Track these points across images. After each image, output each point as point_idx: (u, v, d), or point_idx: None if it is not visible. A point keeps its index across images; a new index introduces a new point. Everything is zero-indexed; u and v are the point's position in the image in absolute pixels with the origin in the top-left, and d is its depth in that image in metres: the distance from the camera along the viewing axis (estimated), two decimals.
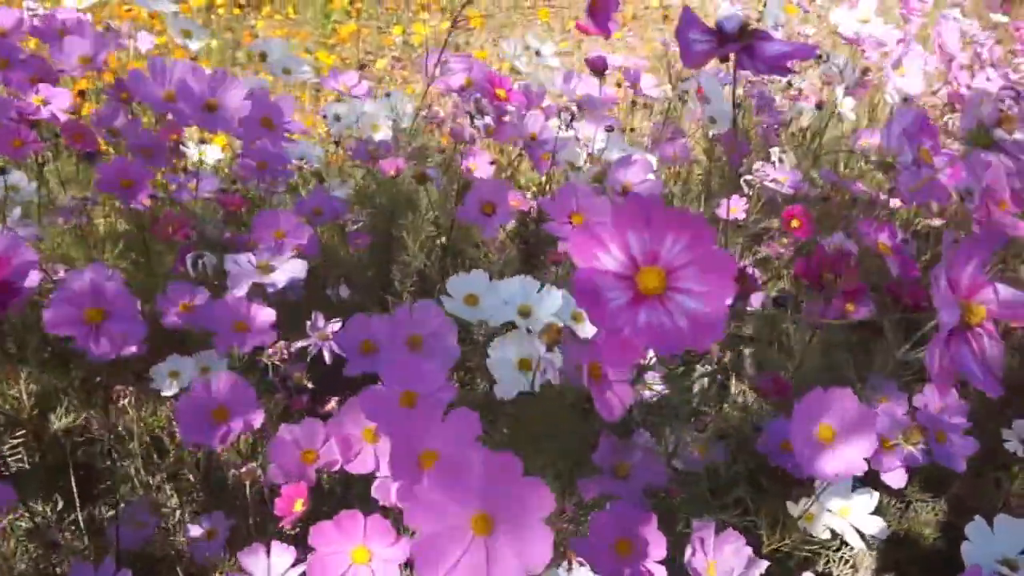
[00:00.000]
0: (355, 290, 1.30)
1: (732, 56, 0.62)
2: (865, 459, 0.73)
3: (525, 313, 0.91)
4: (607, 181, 1.04)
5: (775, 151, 1.16)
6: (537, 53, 1.47)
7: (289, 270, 1.02)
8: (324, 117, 1.63)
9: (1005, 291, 0.64)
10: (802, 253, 1.18)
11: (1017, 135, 0.68)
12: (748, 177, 1.14)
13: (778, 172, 1.14)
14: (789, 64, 0.62)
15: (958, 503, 1.16)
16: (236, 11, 3.69)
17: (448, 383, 0.76)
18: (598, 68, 1.08)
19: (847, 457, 0.73)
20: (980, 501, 1.15)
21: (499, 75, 1.29)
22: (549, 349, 0.76)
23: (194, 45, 1.43)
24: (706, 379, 1.08)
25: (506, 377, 0.86)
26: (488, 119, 1.18)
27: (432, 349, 0.87)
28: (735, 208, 1.15)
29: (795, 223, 1.14)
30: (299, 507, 0.76)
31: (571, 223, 0.97)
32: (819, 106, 1.46)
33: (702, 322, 0.50)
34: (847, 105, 1.44)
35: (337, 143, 1.65)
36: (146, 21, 2.73)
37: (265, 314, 0.93)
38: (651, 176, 1.07)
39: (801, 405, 0.74)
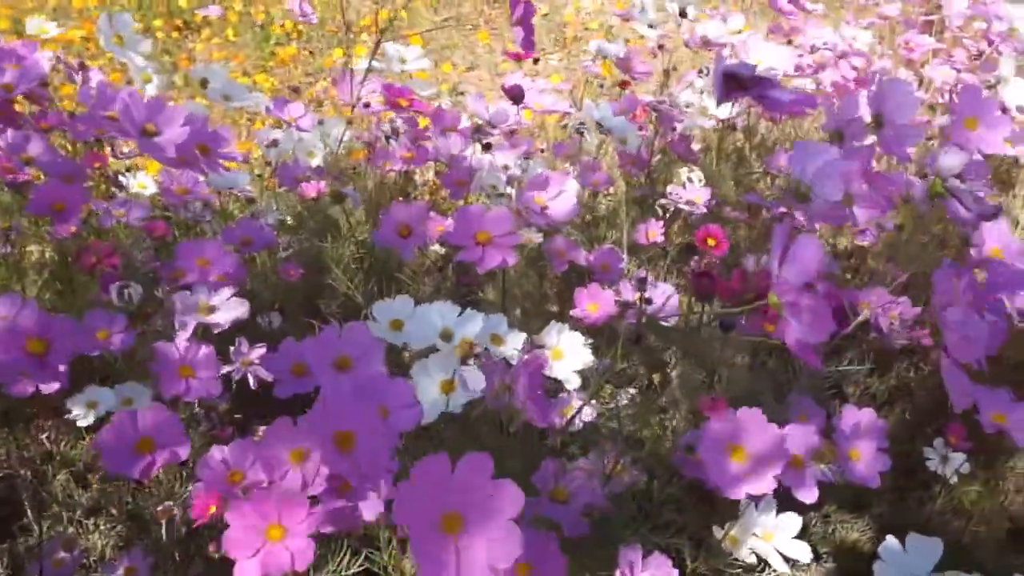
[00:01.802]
0: (287, 316, 1.31)
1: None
2: (775, 478, 0.75)
3: (447, 337, 0.93)
4: (518, 201, 1.06)
5: (684, 172, 1.19)
6: (401, 60, 1.49)
7: (231, 310, 1.02)
8: (261, 143, 1.64)
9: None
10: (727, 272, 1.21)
11: (972, 185, 0.71)
12: (663, 201, 1.17)
13: (690, 193, 1.17)
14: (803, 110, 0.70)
15: (884, 522, 1.19)
16: (175, 34, 3.66)
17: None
18: (515, 96, 1.10)
19: (759, 477, 0.75)
20: (905, 519, 1.18)
21: (402, 87, 1.31)
22: (462, 362, 0.78)
23: (151, 89, 1.44)
24: (638, 399, 1.10)
25: (427, 401, 0.87)
26: (403, 139, 1.20)
27: (361, 371, 0.87)
28: (653, 232, 1.18)
29: (711, 242, 1.16)
30: (212, 510, 0.76)
31: (479, 244, 0.99)
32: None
33: None
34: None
35: (273, 169, 1.66)
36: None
37: (211, 359, 0.93)
38: (566, 190, 1.09)
39: (712, 427, 0.76)
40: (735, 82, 0.67)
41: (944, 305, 0.84)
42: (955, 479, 1.11)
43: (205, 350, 0.91)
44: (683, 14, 1.50)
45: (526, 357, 0.76)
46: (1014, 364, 1.29)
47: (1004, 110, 1.39)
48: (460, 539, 0.54)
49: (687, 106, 1.64)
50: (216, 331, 0.96)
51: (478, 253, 1.00)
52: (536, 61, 3.11)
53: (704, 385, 1.22)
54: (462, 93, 3.38)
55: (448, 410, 0.86)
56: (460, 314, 0.94)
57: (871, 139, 0.95)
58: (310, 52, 3.77)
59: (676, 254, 1.35)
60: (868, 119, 0.81)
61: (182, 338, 0.91)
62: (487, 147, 1.11)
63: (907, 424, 1.30)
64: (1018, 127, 1.42)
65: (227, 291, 0.98)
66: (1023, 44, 1.41)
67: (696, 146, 1.68)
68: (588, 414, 1.02)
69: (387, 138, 1.26)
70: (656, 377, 1.25)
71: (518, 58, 2.09)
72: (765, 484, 0.74)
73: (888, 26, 2.42)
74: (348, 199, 1.21)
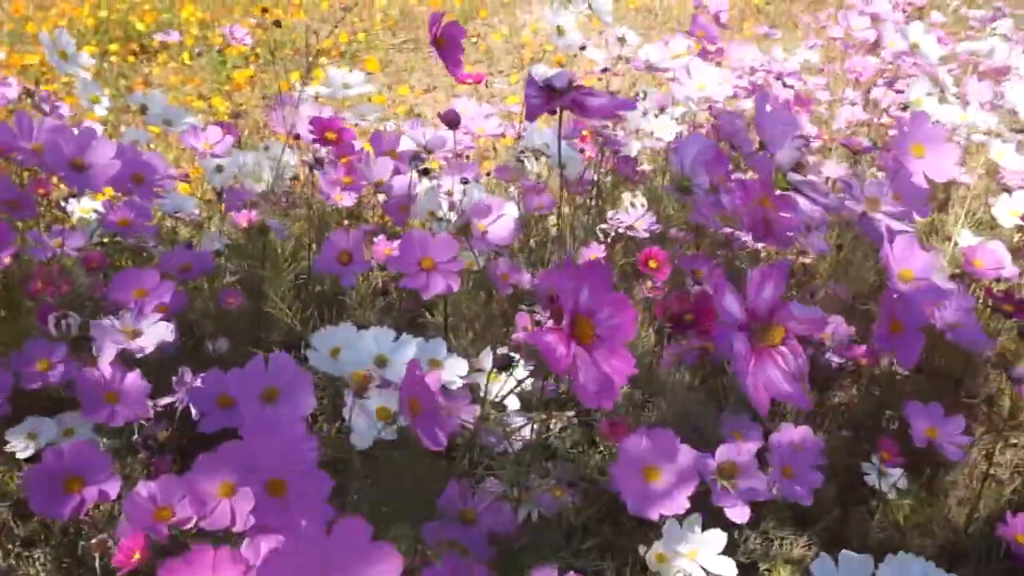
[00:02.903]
0: (233, 343, 1.30)
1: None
2: (689, 498, 0.76)
3: (381, 363, 0.93)
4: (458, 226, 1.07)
5: (627, 197, 1.20)
6: (345, 85, 1.50)
7: (156, 334, 1.01)
8: (206, 169, 1.63)
9: (799, 309, 0.69)
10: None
11: (811, 177, 0.73)
12: (603, 226, 1.18)
13: (631, 218, 1.18)
14: (617, 113, 0.70)
15: (828, 537, 1.20)
16: (130, 59, 3.65)
17: (307, 435, 0.76)
18: (450, 122, 1.11)
19: (672, 498, 0.76)
20: (848, 534, 1.20)
21: (332, 119, 1.31)
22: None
23: (100, 110, 1.44)
24: (571, 422, 1.11)
25: (361, 426, 0.87)
26: (326, 169, 1.20)
27: (288, 402, 0.87)
28: (593, 255, 1.19)
29: (652, 264, 1.18)
30: (136, 557, 0.75)
31: (423, 270, 0.99)
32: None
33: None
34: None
35: (220, 195, 1.65)
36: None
37: (137, 384, 0.92)
38: (505, 214, 1.10)
39: (627, 448, 0.77)
40: (551, 91, 0.68)
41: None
42: (893, 494, 1.12)
43: (131, 376, 0.90)
44: (622, 40, 1.52)
45: (407, 376, 0.76)
46: (947, 375, 1.32)
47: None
48: None
49: (636, 129, 1.67)
50: (138, 355, 0.95)
51: (422, 280, 1.00)
52: (487, 84, 3.13)
53: (645, 405, 1.23)
54: (419, 115, 3.39)
55: (381, 436, 0.86)
56: (396, 339, 0.94)
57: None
58: (271, 74, 3.77)
59: (620, 277, 1.36)
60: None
61: (104, 363, 0.90)
62: (424, 172, 1.11)
63: (849, 440, 1.31)
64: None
65: (154, 315, 0.97)
66: (928, 61, 1.45)
67: (644, 167, 1.70)
68: (525, 436, 1.03)
69: (311, 168, 1.26)
70: None
71: (476, 80, 2.11)
72: (678, 504, 0.75)
73: (838, 47, 2.47)
74: (273, 232, 1.21)
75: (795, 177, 0.72)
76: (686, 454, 0.81)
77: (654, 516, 0.75)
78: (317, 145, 1.34)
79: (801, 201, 0.75)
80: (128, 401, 0.91)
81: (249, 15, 4.23)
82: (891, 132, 1.81)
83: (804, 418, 1.29)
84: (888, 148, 1.04)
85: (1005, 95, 1.40)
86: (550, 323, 0.58)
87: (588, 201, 1.54)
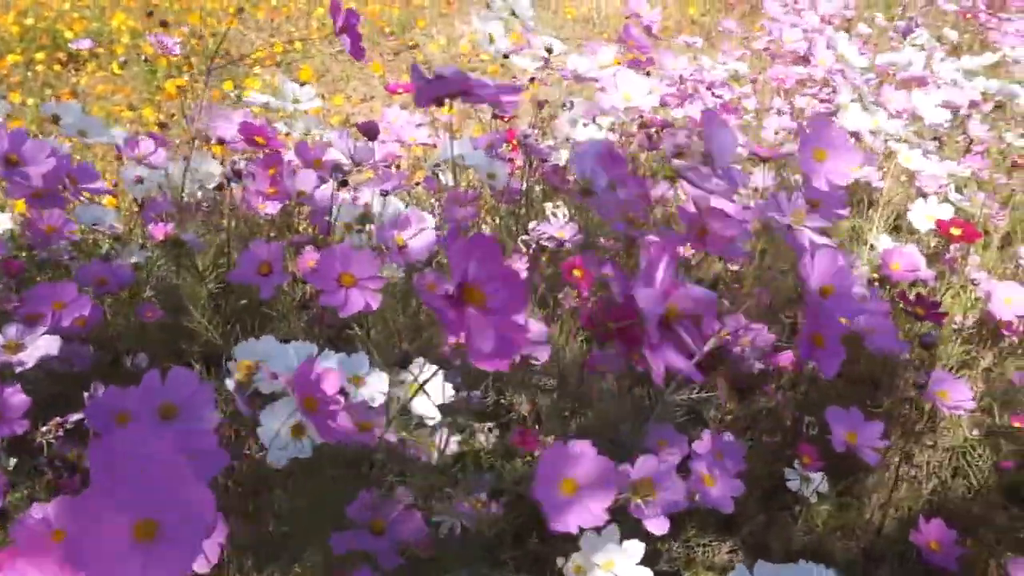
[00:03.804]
0: (153, 357, 1.27)
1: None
2: (608, 509, 0.76)
3: None
4: (377, 239, 1.05)
5: (549, 207, 1.20)
6: (295, 100, 1.49)
7: (42, 347, 0.98)
8: (126, 180, 1.59)
9: (694, 289, 0.70)
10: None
11: (693, 162, 0.73)
12: (524, 237, 1.18)
13: (554, 228, 1.18)
14: (504, 99, 0.70)
15: (752, 543, 1.21)
16: (57, 68, 3.56)
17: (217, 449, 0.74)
18: (369, 133, 1.10)
19: (589, 509, 0.75)
20: (771, 540, 1.21)
21: (261, 124, 1.30)
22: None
23: None
24: (493, 432, 1.10)
25: (276, 444, 0.85)
26: (244, 181, 1.18)
27: (187, 418, 0.85)
28: (517, 266, 1.18)
29: (576, 273, 1.17)
30: None
31: (343, 286, 0.98)
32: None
33: None
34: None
35: (141, 206, 1.61)
36: None
37: (17, 400, 0.89)
38: (426, 227, 1.10)
39: (544, 460, 0.76)
40: (439, 79, 0.68)
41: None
42: (815, 498, 1.13)
43: (9, 390, 0.87)
44: (549, 50, 1.53)
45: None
46: (868, 379, 1.34)
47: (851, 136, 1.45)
48: None
49: (566, 138, 1.67)
50: (18, 370, 0.92)
51: (341, 296, 0.99)
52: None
53: (571, 415, 1.23)
54: (355, 125, 3.36)
55: (297, 454, 0.84)
56: (317, 353, 0.92)
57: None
58: (202, 85, 3.71)
59: (548, 286, 1.36)
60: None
61: None
62: (343, 184, 1.10)
63: (773, 446, 1.32)
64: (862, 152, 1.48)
65: (40, 328, 0.95)
66: (853, 71, 1.48)
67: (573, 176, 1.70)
68: (452, 447, 1.02)
69: (228, 180, 1.24)
70: (526, 409, 1.26)
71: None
72: (594, 516, 0.75)
73: (765, 57, 2.51)
74: (187, 244, 1.19)
75: (678, 163, 0.72)
76: (603, 465, 0.81)
77: (572, 528, 0.74)
78: (238, 157, 1.32)
79: (686, 186, 0.76)
80: (9, 416, 0.88)
81: (182, 23, 4.16)
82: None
83: (728, 424, 1.31)
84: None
85: (913, 103, 1.44)
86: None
87: (517, 211, 1.53)
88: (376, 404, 0.96)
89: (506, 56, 1.49)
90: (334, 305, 0.98)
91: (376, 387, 0.92)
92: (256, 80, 3.64)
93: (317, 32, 4.39)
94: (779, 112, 2.18)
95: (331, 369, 0.87)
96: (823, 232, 0.98)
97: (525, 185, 1.58)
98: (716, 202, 0.82)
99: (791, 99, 2.20)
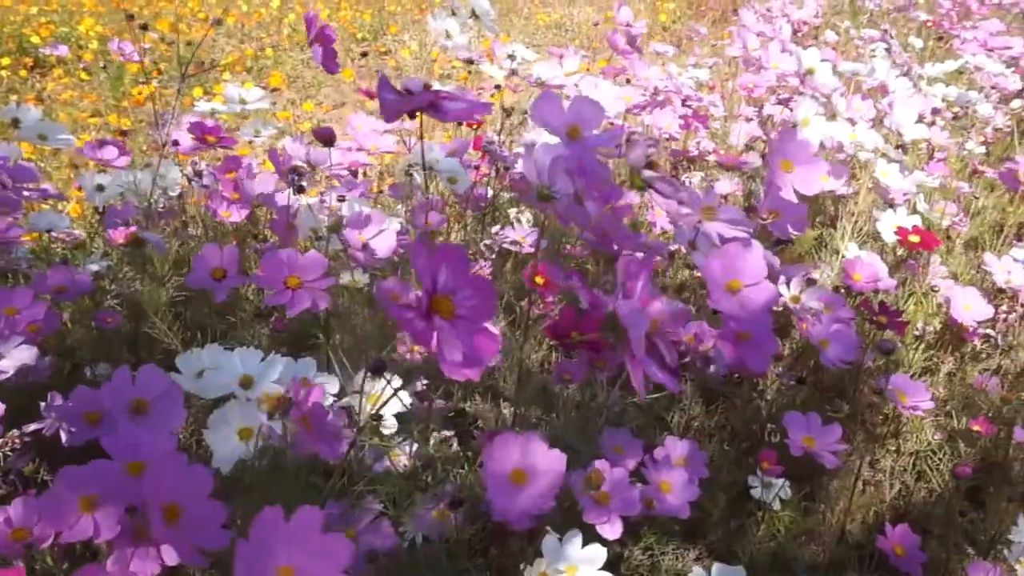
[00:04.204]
0: (114, 366, 1.26)
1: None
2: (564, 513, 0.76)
3: (247, 384, 0.90)
4: (338, 240, 1.05)
5: (512, 212, 1.20)
6: (242, 101, 1.48)
7: (18, 357, 0.98)
8: (85, 188, 1.57)
9: (669, 304, 0.70)
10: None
11: (661, 172, 0.73)
12: (487, 241, 1.17)
13: (517, 233, 1.17)
14: (473, 115, 0.71)
15: (716, 548, 1.21)
16: (23, 73, 3.51)
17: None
18: (325, 139, 1.09)
19: (538, 496, 0.76)
20: (735, 545, 1.20)
21: (213, 124, 1.29)
22: (271, 416, 0.76)
23: None
24: (451, 441, 1.09)
25: (223, 449, 0.84)
26: (204, 181, 1.17)
27: (158, 413, 0.84)
28: (479, 272, 1.18)
29: (539, 280, 1.17)
30: None
31: (288, 288, 0.97)
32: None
33: None
34: None
35: (101, 213, 1.60)
36: None
37: None
38: (387, 229, 1.09)
39: (492, 450, 0.77)
40: (407, 93, 0.68)
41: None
42: (777, 504, 1.13)
43: None
44: (512, 57, 1.53)
45: (295, 394, 0.74)
46: (832, 385, 1.34)
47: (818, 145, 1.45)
48: None
49: (530, 144, 1.66)
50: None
51: (287, 296, 0.99)
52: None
53: (540, 422, 1.22)
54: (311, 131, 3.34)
55: (246, 458, 0.84)
56: (263, 359, 0.92)
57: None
58: (173, 91, 3.68)
59: (514, 294, 1.35)
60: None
61: None
62: (299, 189, 1.09)
63: (740, 452, 1.33)
64: (830, 163, 1.49)
65: (16, 338, 0.94)
66: (819, 84, 1.49)
67: None
68: (407, 457, 1.01)
69: (190, 180, 1.23)
70: (493, 415, 1.25)
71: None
72: (545, 504, 0.75)
73: (736, 65, 2.53)
74: (150, 244, 1.17)
75: (648, 174, 0.72)
76: (552, 456, 0.81)
77: (522, 521, 0.74)
78: (198, 159, 1.31)
79: (655, 197, 0.75)
80: None
81: (152, 30, 4.12)
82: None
83: (694, 431, 1.31)
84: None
85: (889, 115, 1.44)
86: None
87: (484, 217, 1.53)
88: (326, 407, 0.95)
89: (470, 61, 1.48)
90: (280, 303, 0.99)
91: (326, 390, 0.91)
92: (224, 87, 3.61)
93: (288, 39, 4.37)
94: (748, 120, 2.20)
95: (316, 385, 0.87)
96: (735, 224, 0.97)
97: (492, 191, 1.58)
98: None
99: (759, 106, 2.21)
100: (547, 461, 0.78)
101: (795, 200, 0.99)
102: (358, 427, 0.81)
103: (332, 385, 0.93)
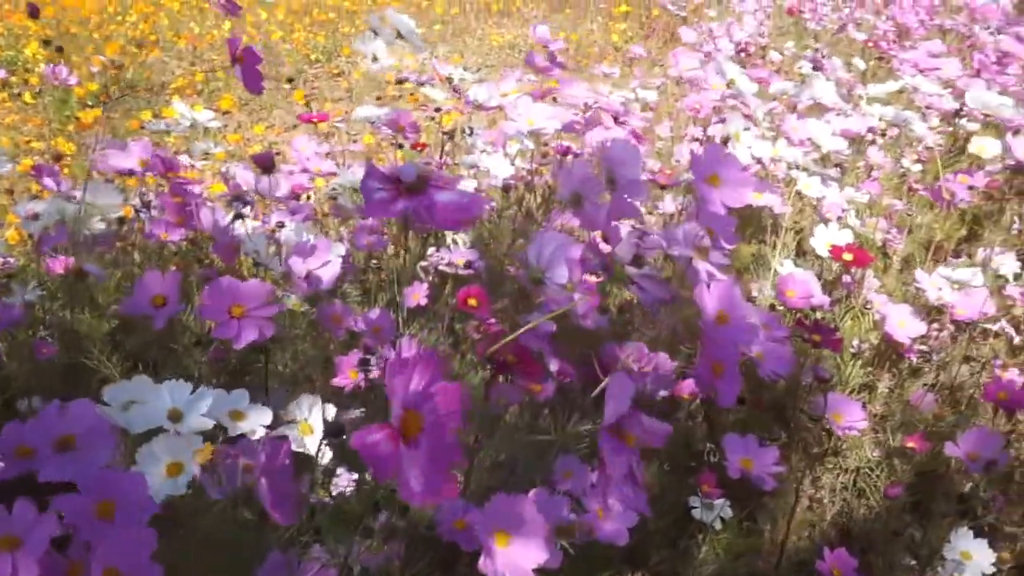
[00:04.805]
0: (49, 398, 1.23)
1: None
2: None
3: (175, 417, 0.88)
4: (282, 267, 1.04)
5: (450, 235, 1.20)
6: (192, 122, 1.47)
7: None
8: (21, 216, 1.55)
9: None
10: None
11: (646, 270, 0.74)
12: (423, 263, 1.17)
13: (454, 255, 1.17)
14: (467, 219, 0.66)
15: (660, 571, 1.21)
16: None
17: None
18: (264, 165, 1.08)
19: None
20: (679, 568, 1.21)
21: (172, 158, 1.27)
22: (203, 471, 0.75)
23: None
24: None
25: (152, 487, 0.83)
26: (153, 211, 1.16)
27: (86, 451, 0.82)
28: (416, 295, 1.17)
29: (472, 302, 1.17)
30: None
31: (233, 318, 0.96)
32: None
33: None
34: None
35: (37, 242, 1.57)
36: None
37: None
38: (332, 259, 1.09)
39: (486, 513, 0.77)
40: (398, 185, 0.63)
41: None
42: (719, 525, 1.14)
43: None
44: (449, 80, 1.53)
45: (266, 450, 0.73)
46: (772, 403, 1.36)
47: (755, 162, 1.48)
48: None
49: (471, 166, 1.67)
50: None
51: (233, 328, 0.97)
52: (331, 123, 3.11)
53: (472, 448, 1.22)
54: (278, 154, 3.33)
55: (173, 494, 0.82)
56: (192, 392, 0.90)
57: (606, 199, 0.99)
58: (127, 112, 3.64)
59: (452, 316, 1.35)
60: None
61: None
62: (238, 216, 1.08)
63: (684, 473, 1.33)
64: (757, 179, 1.51)
65: None
66: (748, 99, 1.51)
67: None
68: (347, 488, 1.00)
69: (137, 212, 1.21)
70: None
71: (320, 119, 2.08)
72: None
73: (682, 84, 2.55)
74: (91, 276, 1.16)
75: (632, 271, 0.73)
76: (537, 517, 0.82)
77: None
78: (146, 189, 1.29)
79: (636, 291, 0.77)
80: None
81: (100, 53, 4.08)
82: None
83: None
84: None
85: (807, 130, 1.47)
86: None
87: (427, 238, 1.52)
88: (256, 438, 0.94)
89: (400, 82, 1.49)
90: (227, 337, 0.97)
91: (257, 421, 0.90)
92: (173, 110, 3.58)
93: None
94: (693, 139, 2.22)
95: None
96: (720, 264, 0.99)
97: None
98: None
99: (704, 125, 2.24)
100: (533, 522, 0.78)
101: (723, 213, 1.01)
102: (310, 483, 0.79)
103: (265, 416, 0.92)
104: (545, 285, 0.90)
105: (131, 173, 1.29)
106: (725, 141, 1.46)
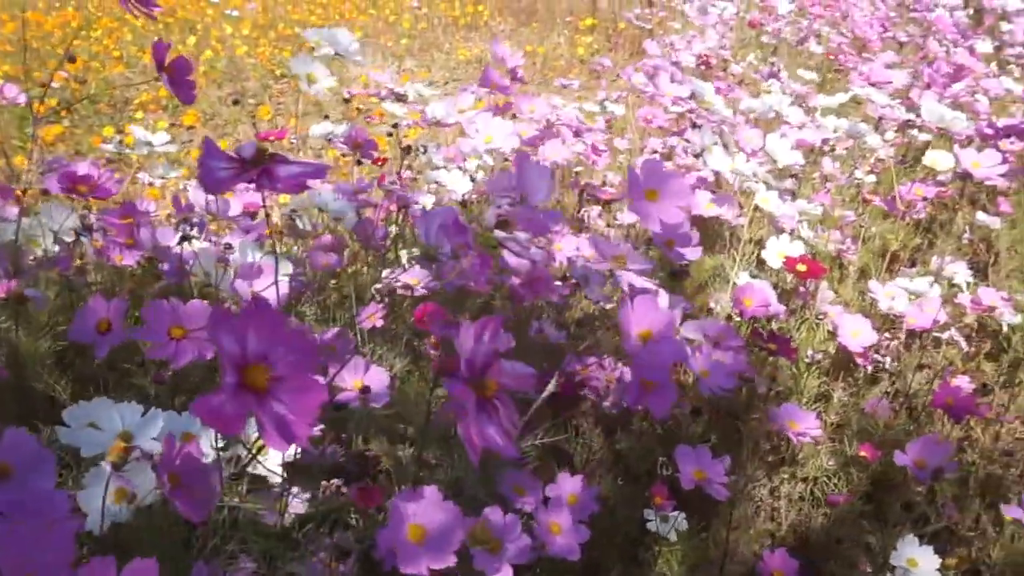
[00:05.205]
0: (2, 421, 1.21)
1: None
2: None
3: (126, 440, 0.88)
4: (229, 289, 1.04)
5: (405, 254, 1.19)
6: (148, 144, 1.47)
7: None
8: None
9: (511, 365, 0.71)
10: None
11: (518, 234, 0.74)
12: (377, 286, 1.17)
13: (408, 275, 1.17)
14: (307, 183, 0.68)
15: None
16: None
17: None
18: (208, 187, 1.07)
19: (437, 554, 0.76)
20: None
21: (85, 173, 1.26)
22: (115, 468, 0.74)
23: None
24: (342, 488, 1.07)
25: (95, 509, 0.82)
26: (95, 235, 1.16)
27: (24, 480, 0.81)
28: (372, 316, 1.17)
29: (429, 320, 1.17)
30: None
31: (173, 339, 0.96)
32: None
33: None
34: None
35: None
36: None
37: None
38: (281, 279, 1.08)
39: (394, 508, 0.77)
40: (241, 162, 0.64)
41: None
42: (675, 537, 1.14)
43: None
44: (401, 98, 1.54)
45: (165, 450, 0.72)
46: (729, 413, 1.36)
47: (713, 175, 1.49)
48: None
49: (431, 182, 1.67)
50: None
51: (171, 349, 0.97)
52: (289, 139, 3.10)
53: (432, 464, 1.22)
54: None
55: (118, 519, 0.81)
56: (144, 413, 0.89)
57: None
58: (84, 130, 3.61)
59: (413, 334, 1.35)
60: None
61: None
62: (184, 238, 1.08)
63: (641, 486, 1.33)
64: (726, 191, 1.53)
65: None
66: (716, 114, 1.53)
67: None
68: (298, 508, 0.99)
69: (78, 235, 1.20)
70: (387, 462, 1.24)
71: (278, 136, 2.07)
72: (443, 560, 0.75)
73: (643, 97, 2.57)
74: (32, 301, 1.14)
75: (499, 234, 0.73)
76: (450, 511, 0.81)
77: (423, 571, 0.74)
78: (86, 211, 1.28)
79: (507, 256, 0.77)
80: None
81: (63, 69, 4.04)
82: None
83: (591, 465, 1.31)
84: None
85: (765, 144, 1.49)
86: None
87: (385, 256, 1.52)
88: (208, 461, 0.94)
89: (347, 101, 1.49)
90: (164, 357, 0.97)
91: (208, 444, 0.90)
92: (140, 125, 3.55)
93: (204, 76, 4.32)
94: (653, 152, 2.23)
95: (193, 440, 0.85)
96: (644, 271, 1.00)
97: (394, 231, 1.58)
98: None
99: (664, 138, 2.25)
100: (447, 517, 0.78)
101: (659, 230, 1.02)
102: (220, 485, 0.79)
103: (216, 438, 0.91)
104: (439, 260, 0.90)
105: (75, 193, 1.27)
106: (697, 155, 1.48)
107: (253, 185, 0.66)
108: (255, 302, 0.55)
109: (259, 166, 0.64)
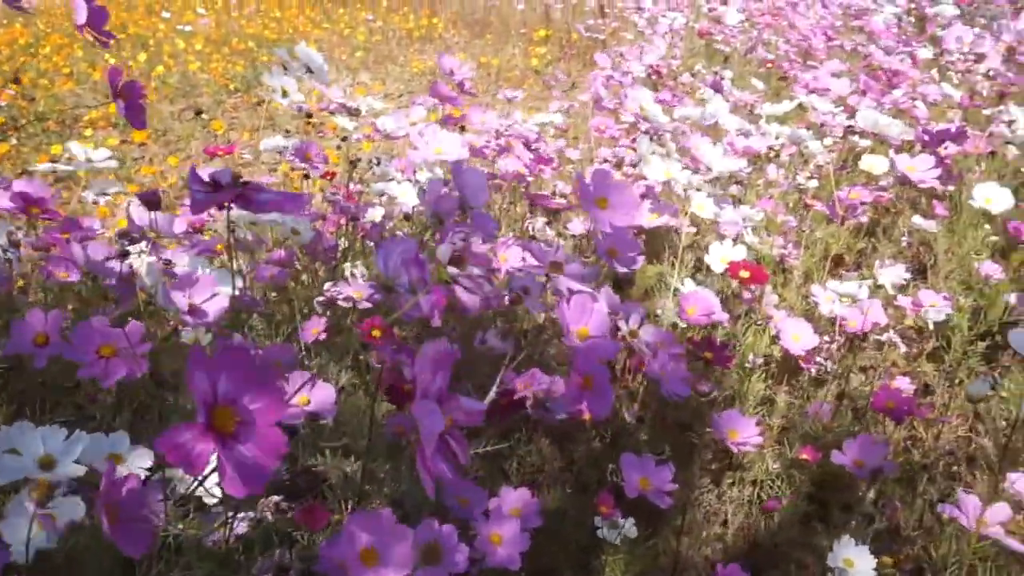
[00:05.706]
0: None
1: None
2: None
3: (48, 465, 0.86)
4: (161, 302, 1.03)
5: (347, 267, 1.19)
6: (88, 160, 1.46)
7: None
8: None
9: (466, 401, 0.71)
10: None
11: (472, 270, 0.75)
12: (320, 298, 1.17)
13: (352, 288, 1.17)
14: (286, 208, 0.72)
15: None
16: None
17: None
18: (150, 203, 1.07)
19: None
20: None
21: (36, 194, 1.25)
22: (40, 505, 0.73)
23: None
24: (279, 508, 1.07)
25: (19, 538, 0.80)
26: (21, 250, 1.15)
27: None
28: (316, 329, 1.17)
29: (375, 333, 1.16)
30: None
31: (102, 357, 0.95)
32: None
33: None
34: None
35: None
36: None
37: None
38: (219, 292, 1.08)
39: (345, 530, 0.76)
40: (216, 186, 0.67)
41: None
42: (625, 545, 1.15)
43: None
44: (355, 112, 1.54)
45: (104, 482, 0.71)
46: (677, 421, 1.37)
47: (647, 185, 1.51)
48: None
49: (380, 194, 1.67)
50: None
51: (100, 367, 0.97)
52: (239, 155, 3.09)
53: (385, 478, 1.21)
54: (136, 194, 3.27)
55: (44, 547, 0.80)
56: (67, 437, 0.88)
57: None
58: (31, 148, 3.55)
59: (361, 346, 1.34)
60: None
61: None
62: (124, 254, 1.07)
63: (583, 494, 1.34)
64: (663, 200, 1.55)
65: None
66: (656, 122, 1.55)
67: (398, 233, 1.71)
68: (241, 528, 0.98)
69: (4, 251, 1.19)
70: (333, 476, 1.23)
71: (227, 152, 2.06)
72: None
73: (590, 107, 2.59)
74: None
75: (453, 271, 0.74)
76: (402, 533, 0.81)
77: None
78: (15, 228, 1.27)
79: (459, 291, 0.78)
80: None
81: (8, 87, 3.98)
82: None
83: (542, 476, 1.32)
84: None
85: (697, 151, 1.51)
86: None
87: (335, 268, 1.52)
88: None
89: (309, 116, 1.50)
90: (94, 376, 0.96)
91: (138, 464, 0.89)
92: (89, 142, 3.51)
93: (156, 92, 4.29)
94: (604, 161, 2.25)
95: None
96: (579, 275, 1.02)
97: (343, 243, 1.57)
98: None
99: (614, 147, 2.27)
100: (399, 540, 0.78)
101: (611, 232, 1.04)
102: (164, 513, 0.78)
103: (145, 459, 0.90)
104: (396, 292, 0.91)
105: (27, 214, 1.26)
106: (635, 164, 1.49)
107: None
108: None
109: (233, 191, 0.68)
